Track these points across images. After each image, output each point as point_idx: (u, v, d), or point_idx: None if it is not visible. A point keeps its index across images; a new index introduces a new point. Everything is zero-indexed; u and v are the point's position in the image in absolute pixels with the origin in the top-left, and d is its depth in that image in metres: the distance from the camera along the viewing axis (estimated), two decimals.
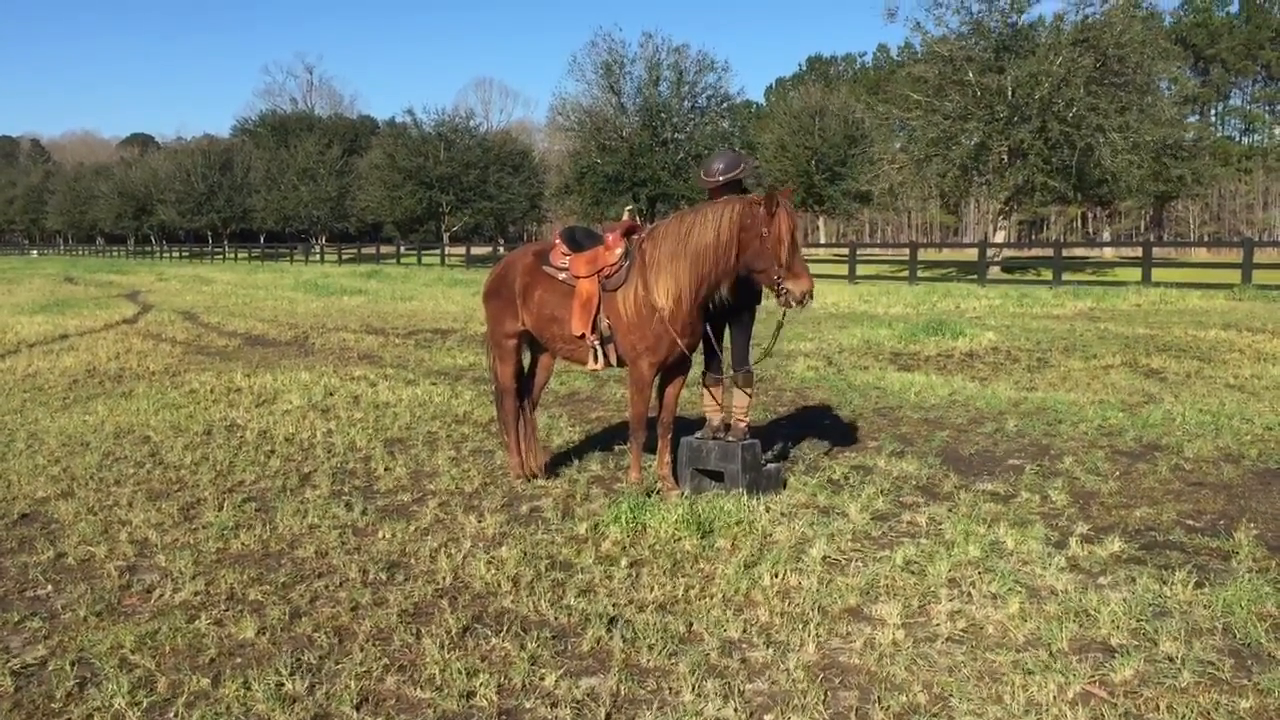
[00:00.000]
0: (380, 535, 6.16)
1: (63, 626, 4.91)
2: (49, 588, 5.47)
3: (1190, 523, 6.21)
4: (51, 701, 4.14)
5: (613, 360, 6.81)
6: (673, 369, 6.84)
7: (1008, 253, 42.07)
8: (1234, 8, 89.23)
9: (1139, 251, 37.08)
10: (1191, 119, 63.26)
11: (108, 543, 6.12)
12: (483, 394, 10.85)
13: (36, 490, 7.44)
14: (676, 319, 6.48)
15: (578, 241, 7.02)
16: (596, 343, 6.75)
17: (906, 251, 37.65)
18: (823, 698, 4.00)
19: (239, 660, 4.46)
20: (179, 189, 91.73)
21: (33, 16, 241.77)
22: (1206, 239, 77.04)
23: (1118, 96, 37.22)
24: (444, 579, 5.38)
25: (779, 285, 6.24)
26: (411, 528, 6.28)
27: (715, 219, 6.35)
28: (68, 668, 4.39)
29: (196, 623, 4.84)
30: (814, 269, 7.22)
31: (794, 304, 6.28)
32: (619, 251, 6.72)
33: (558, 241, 7.09)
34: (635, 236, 6.78)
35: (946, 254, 58.75)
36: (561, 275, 6.93)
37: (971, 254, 42.66)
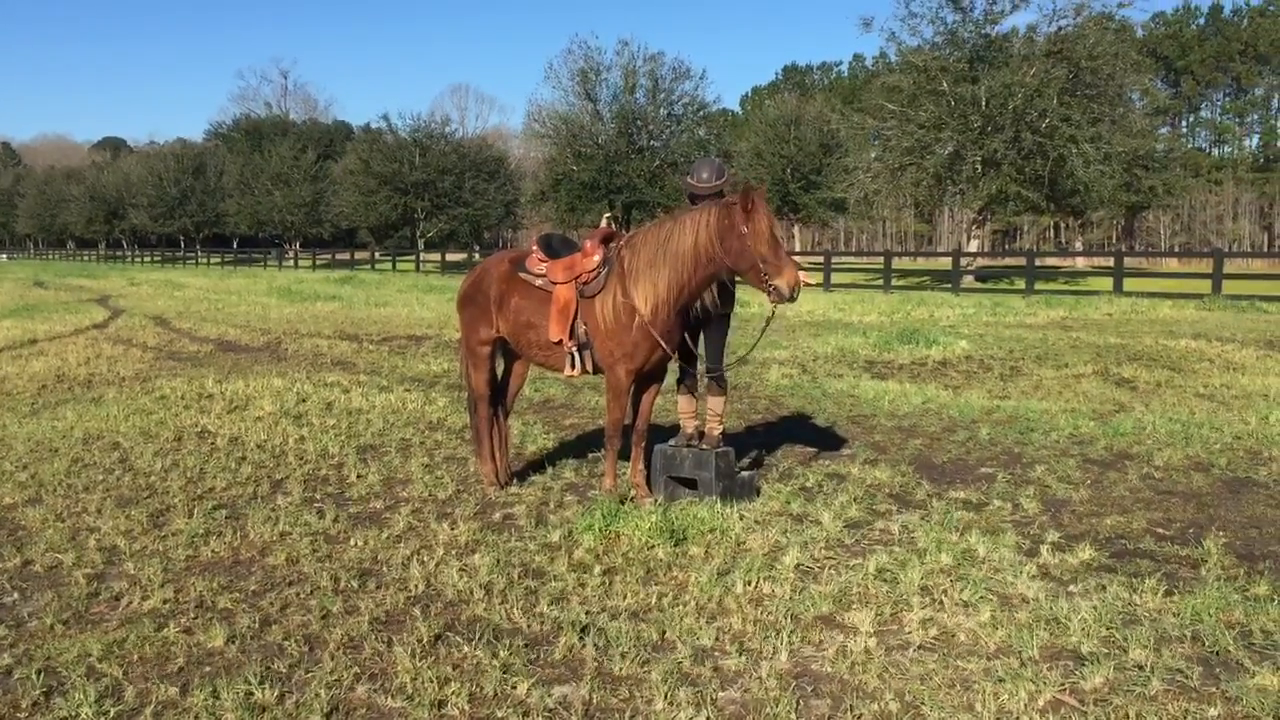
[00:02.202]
0: (352, 543, 6.13)
1: (29, 634, 4.86)
2: (15, 595, 5.41)
3: (1160, 531, 6.26)
4: (17, 711, 4.09)
5: (589, 367, 6.82)
6: (648, 377, 6.86)
7: (981, 262, 42.33)
8: (1203, 20, 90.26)
9: (1110, 261, 37.44)
10: (1162, 130, 63.88)
11: (75, 550, 6.06)
12: (457, 401, 10.82)
13: (3, 497, 7.36)
14: (655, 326, 6.49)
15: (554, 249, 7.05)
16: (574, 348, 6.76)
17: (881, 260, 37.86)
18: (795, 706, 4.01)
19: (208, 669, 4.42)
20: (151, 193, 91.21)
21: (2, 19, 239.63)
22: (1177, 249, 77.86)
23: (1090, 108, 37.59)
24: (416, 587, 5.35)
25: (766, 283, 6.23)
26: (384, 535, 6.26)
27: (693, 225, 6.37)
28: (34, 676, 4.34)
29: (165, 631, 4.79)
30: None
31: (784, 299, 6.24)
32: (597, 258, 6.73)
33: (534, 248, 7.10)
34: (613, 244, 6.80)
35: (921, 263, 59.08)
36: (538, 281, 6.93)
37: (945, 263, 42.95)
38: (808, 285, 7.42)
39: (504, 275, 7.17)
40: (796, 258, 37.30)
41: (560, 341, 6.78)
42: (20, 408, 11.21)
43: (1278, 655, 4.41)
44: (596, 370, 6.84)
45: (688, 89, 56.20)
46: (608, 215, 7.15)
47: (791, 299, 6.26)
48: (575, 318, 6.73)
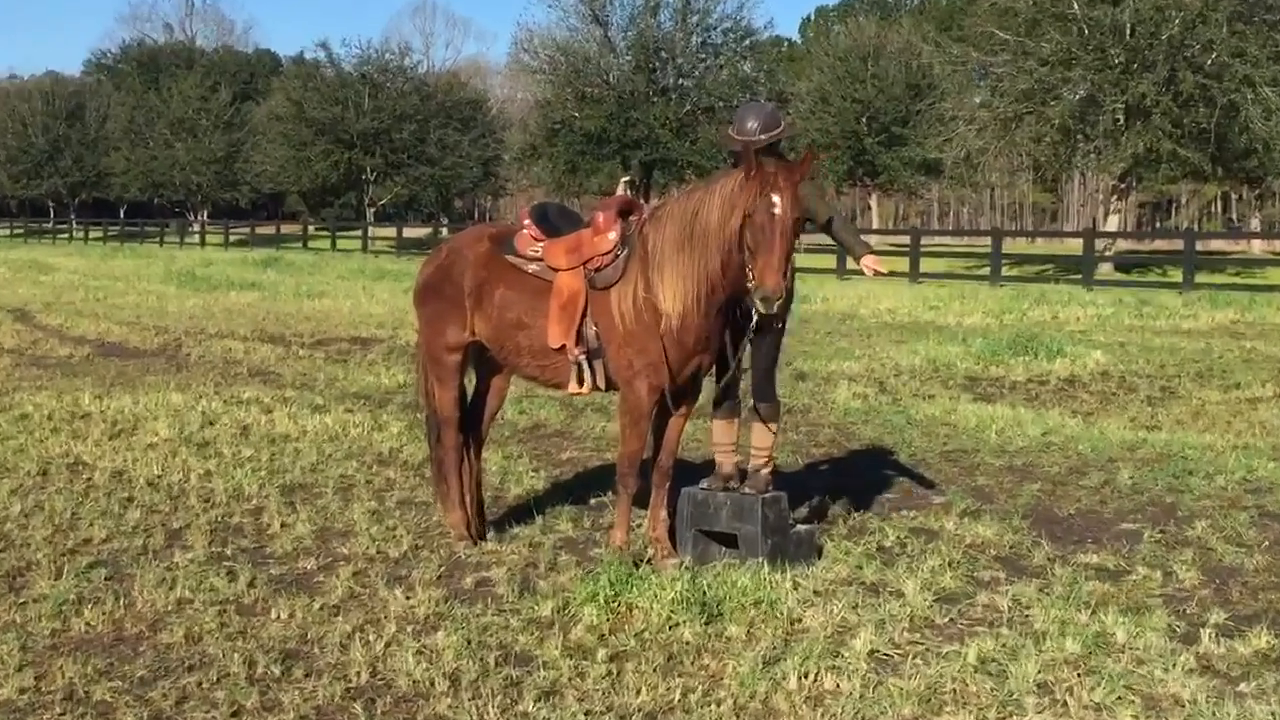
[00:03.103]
0: (273, 615, 6.14)
1: None
2: None
3: None
4: None
5: (600, 381, 6.77)
6: (677, 395, 6.82)
7: (1123, 245, 42.23)
8: None
9: None
10: None
11: None
12: (415, 425, 10.84)
13: None
14: (688, 330, 6.47)
15: (552, 223, 7.00)
16: (581, 357, 6.72)
17: (988, 241, 37.79)
18: None
19: None
20: (10, 144, 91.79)
21: None
22: None
23: (1272, 39, 37.43)
24: (358, 675, 5.36)
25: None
26: (316, 605, 6.27)
27: (721, 195, 6.33)
28: None
29: None
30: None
31: (759, 309, 6.21)
32: (613, 237, 6.70)
33: (526, 223, 7.07)
34: (633, 218, 6.78)
35: (1041, 245, 59.00)
36: (532, 267, 6.91)
37: (1075, 246, 42.80)
38: (880, 274, 7.39)
39: (483, 258, 7.14)
40: (874, 238, 37.26)
41: (562, 348, 6.75)
42: None
43: None
44: (610, 387, 6.82)
45: (729, 10, 56.41)
46: (625, 179, 7.15)
47: (764, 309, 6.18)
48: (583, 316, 6.72)
